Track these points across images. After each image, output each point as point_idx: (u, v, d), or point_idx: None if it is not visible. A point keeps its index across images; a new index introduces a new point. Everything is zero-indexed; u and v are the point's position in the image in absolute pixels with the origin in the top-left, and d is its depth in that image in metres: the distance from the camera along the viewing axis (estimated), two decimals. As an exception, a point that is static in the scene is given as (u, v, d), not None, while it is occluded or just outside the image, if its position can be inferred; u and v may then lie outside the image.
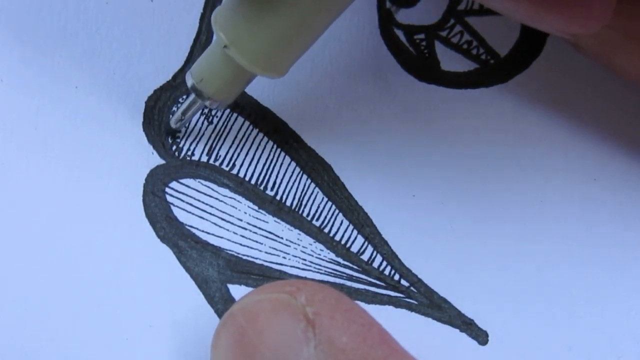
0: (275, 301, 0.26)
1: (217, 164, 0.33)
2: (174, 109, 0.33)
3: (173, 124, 0.32)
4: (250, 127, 0.33)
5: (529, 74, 0.34)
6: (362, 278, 0.32)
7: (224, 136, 0.33)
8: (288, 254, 0.32)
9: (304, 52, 0.30)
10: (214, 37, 0.30)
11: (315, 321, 0.26)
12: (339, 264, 0.32)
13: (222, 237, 0.32)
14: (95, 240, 0.31)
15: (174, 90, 0.33)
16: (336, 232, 0.33)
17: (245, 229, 0.32)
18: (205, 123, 0.33)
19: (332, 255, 0.32)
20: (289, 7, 0.28)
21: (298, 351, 0.25)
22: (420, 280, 0.32)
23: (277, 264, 0.32)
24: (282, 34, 0.28)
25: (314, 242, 0.32)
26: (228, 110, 0.33)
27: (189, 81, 0.31)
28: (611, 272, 0.32)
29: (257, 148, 0.33)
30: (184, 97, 0.33)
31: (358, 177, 0.33)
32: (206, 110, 0.33)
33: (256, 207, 0.33)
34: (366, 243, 0.32)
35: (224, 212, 0.32)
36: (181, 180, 0.33)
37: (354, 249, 0.32)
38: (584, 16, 0.28)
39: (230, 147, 0.33)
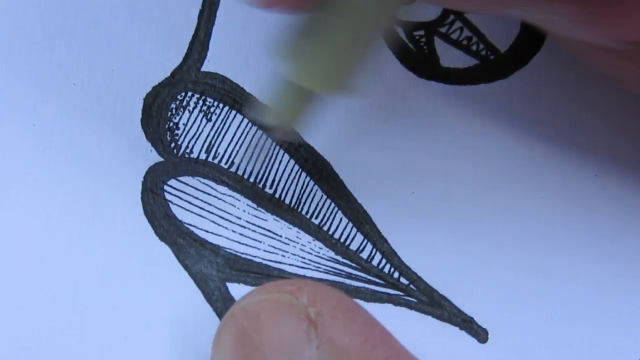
0: (276, 301, 0.26)
1: (215, 161, 0.33)
2: (172, 104, 0.33)
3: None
4: (249, 125, 0.33)
5: (529, 70, 0.34)
6: (361, 276, 0.32)
7: (222, 134, 0.33)
8: (287, 252, 0.32)
9: (365, 66, 0.29)
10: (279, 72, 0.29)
11: (317, 321, 0.25)
12: (338, 262, 0.32)
13: (220, 235, 0.32)
14: (93, 238, 0.31)
15: (172, 87, 0.33)
16: (335, 230, 0.32)
17: (244, 227, 0.32)
18: (204, 120, 0.33)
19: (332, 253, 0.32)
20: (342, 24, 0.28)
21: (300, 351, 0.25)
22: (419, 278, 0.32)
23: (276, 262, 0.32)
24: (341, 55, 0.28)
25: (313, 240, 0.32)
26: (227, 108, 0.33)
27: (271, 120, 0.30)
28: (612, 269, 0.32)
29: (256, 145, 0.33)
30: (177, 100, 0.33)
31: (357, 175, 0.33)
32: (204, 108, 0.33)
33: (255, 205, 0.32)
34: (365, 241, 0.32)
35: (222, 210, 0.32)
36: (180, 178, 0.32)
37: (353, 246, 0.32)
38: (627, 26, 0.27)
39: (229, 144, 0.33)
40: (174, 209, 0.32)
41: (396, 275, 0.32)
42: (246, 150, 0.33)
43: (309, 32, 0.28)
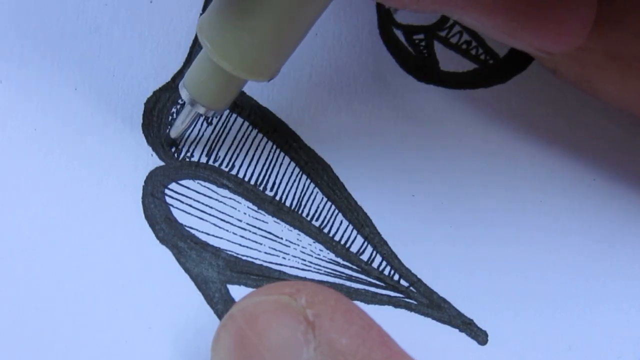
0: (275, 303, 0.26)
1: (216, 164, 0.33)
2: (173, 109, 0.33)
3: (173, 134, 0.32)
4: (250, 128, 0.33)
5: (528, 74, 0.34)
6: (361, 278, 0.32)
7: (223, 137, 0.33)
8: (288, 254, 0.32)
9: (290, 54, 0.30)
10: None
11: (315, 323, 0.26)
12: (338, 264, 0.32)
13: (221, 238, 0.32)
14: (94, 242, 0.31)
15: (173, 91, 0.33)
16: (336, 232, 0.33)
17: (245, 229, 0.32)
18: (205, 124, 0.33)
19: (332, 256, 0.32)
20: (269, 11, 0.28)
21: (298, 353, 0.25)
22: (419, 280, 0.32)
23: (276, 264, 0.32)
24: (265, 37, 0.29)
25: (314, 242, 0.32)
26: (227, 111, 0.33)
27: (183, 92, 0.31)
28: (611, 271, 0.32)
29: (257, 148, 0.33)
30: (178, 104, 0.33)
31: (357, 177, 0.33)
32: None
33: (256, 208, 0.33)
34: (366, 243, 0.32)
35: (223, 213, 0.32)
36: (180, 182, 0.33)
37: (354, 249, 0.32)
38: (560, 33, 0.29)
39: (230, 147, 0.33)
40: (175, 212, 0.32)
41: (396, 277, 0.32)
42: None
43: (237, 17, 0.28)
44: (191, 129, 0.33)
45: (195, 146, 0.33)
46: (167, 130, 0.33)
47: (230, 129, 0.33)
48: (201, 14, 0.34)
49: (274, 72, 0.30)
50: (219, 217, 0.32)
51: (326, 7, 0.29)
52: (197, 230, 0.32)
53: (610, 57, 0.30)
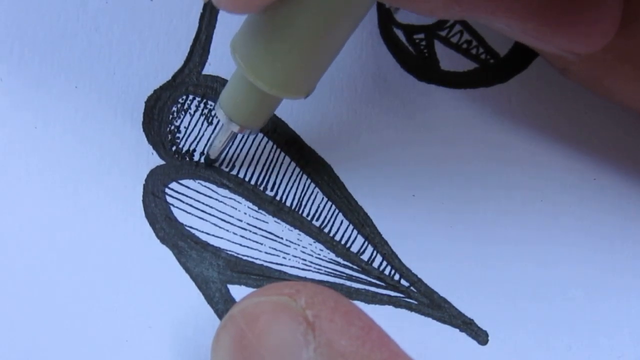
0: (275, 303, 0.26)
1: (216, 164, 0.33)
2: (173, 107, 0.33)
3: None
4: (250, 127, 0.33)
5: (529, 74, 0.34)
6: (362, 278, 0.32)
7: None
8: (288, 254, 0.32)
9: (325, 70, 0.29)
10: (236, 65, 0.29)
11: (314, 324, 0.26)
12: (339, 264, 0.32)
13: (222, 238, 0.32)
14: (94, 241, 0.31)
15: (173, 90, 0.33)
16: (336, 232, 0.33)
17: (245, 229, 0.32)
18: (205, 124, 0.33)
19: (332, 255, 0.32)
20: (303, 28, 0.27)
21: (297, 354, 0.25)
22: (420, 280, 0.32)
23: (277, 264, 0.32)
24: (299, 55, 0.28)
25: (314, 242, 0.32)
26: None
27: (219, 112, 0.31)
28: (611, 271, 0.32)
29: (257, 148, 0.33)
30: (179, 103, 0.33)
31: (358, 177, 0.33)
32: (205, 111, 0.33)
33: (256, 208, 0.33)
34: (366, 243, 0.32)
35: (223, 213, 0.32)
36: (181, 181, 0.33)
37: (354, 249, 0.32)
38: (590, 34, 0.28)
39: (230, 147, 0.33)
40: (175, 211, 0.32)
41: (397, 277, 0.32)
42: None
43: (269, 36, 0.28)
44: (192, 124, 0.33)
45: (196, 145, 0.33)
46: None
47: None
48: (202, 13, 0.34)
49: (309, 89, 0.30)
50: (220, 217, 0.32)
51: (360, 22, 0.29)
52: (197, 229, 0.32)
53: (623, 58, 0.30)
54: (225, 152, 0.33)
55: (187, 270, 0.31)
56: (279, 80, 0.28)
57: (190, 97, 0.33)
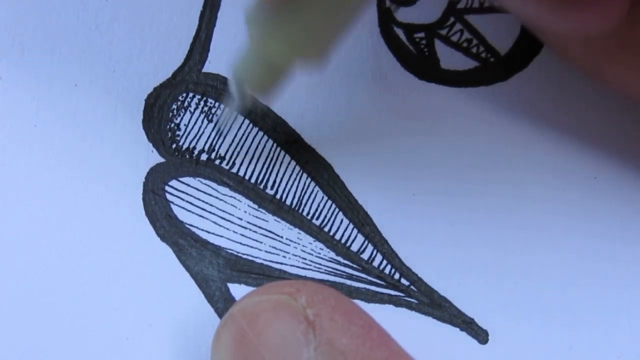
0: (275, 302, 0.26)
1: (217, 162, 0.33)
2: (173, 105, 0.33)
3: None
4: (250, 126, 0.33)
5: (529, 72, 0.34)
6: (362, 277, 0.32)
7: (224, 135, 0.33)
8: (288, 252, 0.32)
9: (339, 39, 0.29)
10: (246, 38, 0.29)
11: (315, 323, 0.26)
12: (339, 262, 0.32)
13: (222, 236, 0.32)
14: (94, 239, 0.31)
15: (173, 88, 0.33)
16: (336, 231, 0.33)
17: (245, 227, 0.32)
18: (205, 121, 0.33)
19: (332, 254, 0.32)
20: None
21: (298, 353, 0.25)
22: (420, 279, 0.32)
23: (277, 262, 0.32)
24: (311, 16, 0.27)
25: (314, 241, 0.32)
26: (227, 109, 0.33)
27: (233, 82, 0.30)
28: (612, 270, 0.32)
29: (257, 147, 0.33)
30: (179, 101, 0.33)
31: (358, 176, 0.33)
32: (205, 109, 0.33)
33: (256, 206, 0.33)
34: (366, 242, 0.32)
35: (223, 211, 0.32)
36: (181, 179, 0.33)
37: (354, 247, 0.32)
38: (604, 12, 0.28)
39: (230, 145, 0.33)
40: (175, 209, 0.32)
41: (397, 276, 0.32)
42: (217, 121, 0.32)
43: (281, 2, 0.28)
44: (192, 121, 0.33)
45: (196, 143, 0.33)
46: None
47: (231, 126, 0.33)
48: (202, 11, 0.34)
49: (323, 53, 0.29)
50: (219, 215, 0.32)
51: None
52: (197, 228, 0.32)
53: (623, 43, 0.30)
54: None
55: (187, 268, 0.31)
56: (293, 41, 0.28)
57: (190, 95, 0.33)
